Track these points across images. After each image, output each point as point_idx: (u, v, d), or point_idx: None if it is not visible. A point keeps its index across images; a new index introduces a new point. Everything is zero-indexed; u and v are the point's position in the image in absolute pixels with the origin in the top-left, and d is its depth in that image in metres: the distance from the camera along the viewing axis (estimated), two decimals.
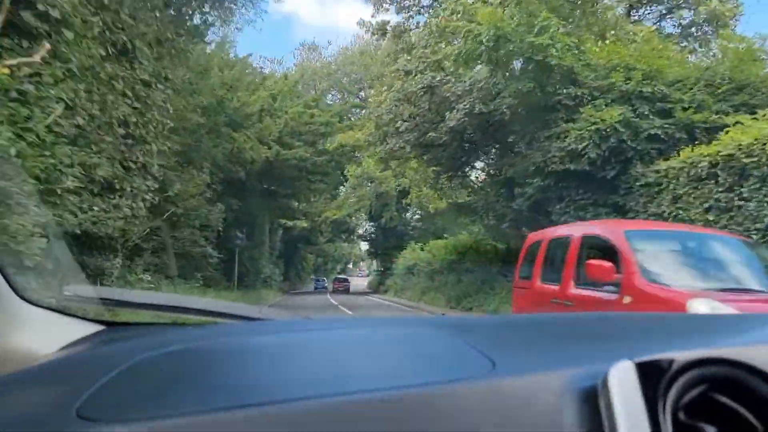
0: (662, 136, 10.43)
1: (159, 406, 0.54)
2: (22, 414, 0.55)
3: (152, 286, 10.53)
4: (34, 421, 0.53)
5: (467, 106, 14.00)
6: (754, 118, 8.49)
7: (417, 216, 36.03)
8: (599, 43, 12.74)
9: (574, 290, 5.05)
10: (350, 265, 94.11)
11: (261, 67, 31.86)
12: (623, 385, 0.51)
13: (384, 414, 0.52)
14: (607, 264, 4.28)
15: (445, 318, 1.37)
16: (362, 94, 36.72)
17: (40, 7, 5.59)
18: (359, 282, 66.93)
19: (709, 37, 18.67)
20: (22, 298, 0.86)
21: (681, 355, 0.54)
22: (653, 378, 0.52)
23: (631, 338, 0.89)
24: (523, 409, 0.53)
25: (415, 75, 16.07)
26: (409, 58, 17.30)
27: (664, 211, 9.42)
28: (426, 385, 0.56)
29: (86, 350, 0.86)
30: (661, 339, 0.87)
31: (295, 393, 0.55)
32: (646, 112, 10.66)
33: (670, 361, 0.53)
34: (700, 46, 19.12)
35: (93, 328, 0.97)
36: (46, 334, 0.86)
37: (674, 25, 20.27)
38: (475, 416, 0.53)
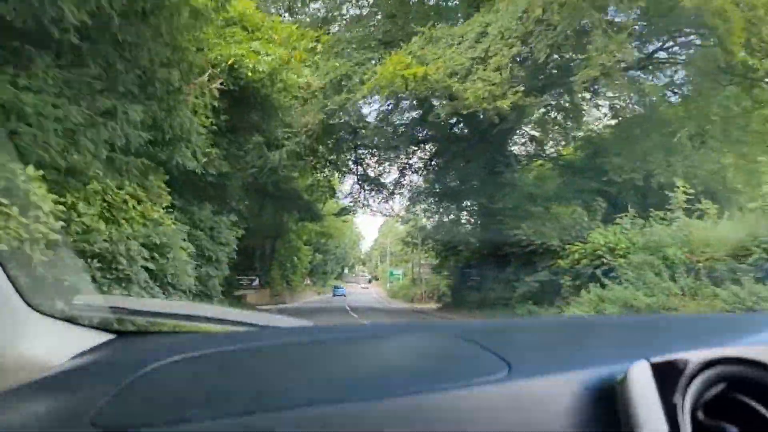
0: None
1: (173, 414, 0.54)
2: (37, 423, 0.56)
3: None
4: (49, 430, 0.54)
5: None
6: None
7: None
8: None
9: None
10: (346, 270, 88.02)
11: None
12: (641, 385, 0.52)
13: (401, 418, 0.53)
14: None
15: (460, 323, 1.45)
16: None
17: None
18: (359, 291, 56.71)
19: None
20: (32, 307, 0.86)
21: (697, 355, 0.54)
22: (670, 378, 0.52)
23: (647, 339, 0.90)
24: (540, 410, 0.54)
25: None
26: None
27: None
28: (443, 388, 0.57)
29: (97, 359, 0.85)
30: (677, 339, 0.87)
31: (312, 399, 0.55)
32: None
33: (687, 361, 0.53)
34: None
35: (103, 337, 0.96)
36: (56, 344, 0.86)
37: None
38: (492, 418, 0.54)
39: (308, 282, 43.65)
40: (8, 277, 0.81)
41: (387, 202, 27.57)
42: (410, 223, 37.36)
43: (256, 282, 30.31)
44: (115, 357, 0.86)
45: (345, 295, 44.58)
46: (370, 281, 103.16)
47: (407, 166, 25.24)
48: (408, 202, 28.36)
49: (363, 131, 21.88)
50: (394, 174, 25.58)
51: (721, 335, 0.88)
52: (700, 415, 0.52)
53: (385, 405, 0.54)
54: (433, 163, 24.53)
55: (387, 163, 24.83)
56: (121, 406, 0.57)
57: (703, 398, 0.53)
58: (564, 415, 0.53)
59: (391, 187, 25.90)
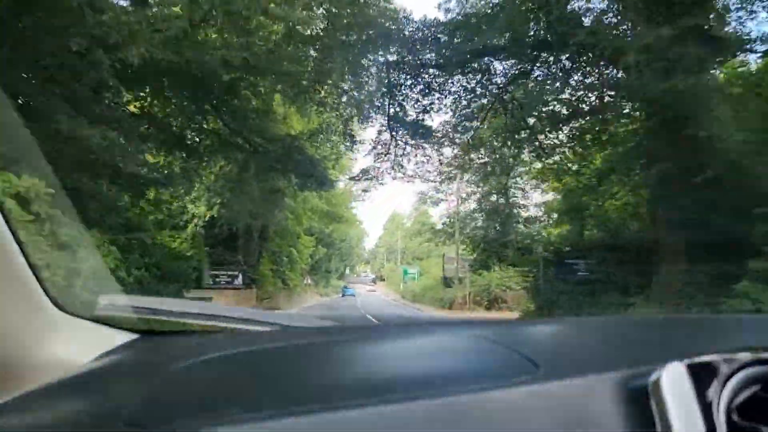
0: None
1: (207, 414, 0.54)
2: (69, 423, 0.56)
3: None
4: (82, 430, 0.54)
5: None
6: None
7: None
8: None
9: None
10: (347, 270, 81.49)
11: None
12: (675, 386, 0.52)
13: (429, 420, 0.52)
14: None
15: (485, 322, 1.35)
16: None
17: None
18: (364, 293, 49.64)
19: None
20: (59, 307, 0.86)
21: (732, 355, 0.54)
22: (705, 379, 0.52)
23: (679, 340, 0.89)
24: (570, 412, 0.53)
25: None
26: None
27: None
28: (470, 390, 0.56)
29: (124, 359, 0.86)
30: (710, 340, 0.88)
31: (339, 400, 0.55)
32: None
33: (722, 362, 0.53)
34: None
35: (127, 336, 0.98)
36: (82, 343, 0.87)
37: None
38: (520, 420, 0.53)
39: (308, 281, 35.31)
40: (36, 276, 0.81)
41: (429, 162, 18.68)
42: (444, 205, 28.77)
43: (239, 279, 21.94)
44: (142, 357, 0.88)
45: (354, 296, 43.55)
46: (374, 281, 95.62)
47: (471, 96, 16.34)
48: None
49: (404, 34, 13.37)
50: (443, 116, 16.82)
51: (756, 336, 0.90)
52: (735, 416, 0.51)
53: (413, 406, 0.53)
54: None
55: (436, 97, 16.04)
56: (155, 405, 0.58)
57: (737, 400, 0.52)
58: (595, 417, 0.53)
59: (444, 132, 17.06)
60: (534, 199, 27.05)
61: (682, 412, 0.49)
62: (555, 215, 23.97)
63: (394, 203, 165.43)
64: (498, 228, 28.15)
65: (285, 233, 24.70)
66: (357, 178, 19.02)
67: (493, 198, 28.58)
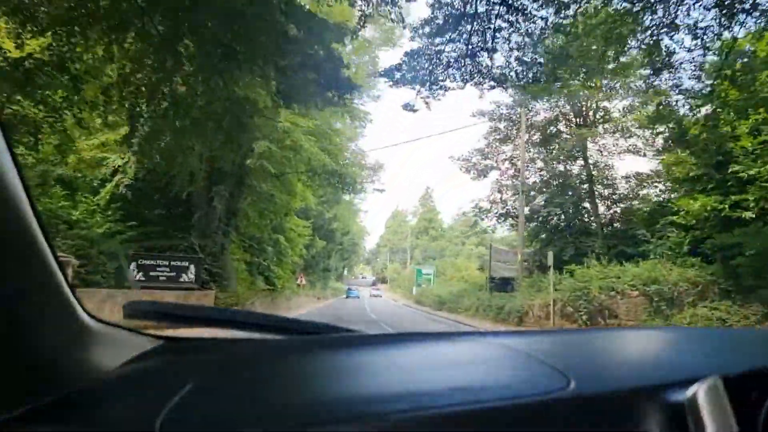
0: None
1: (240, 422, 0.55)
2: (103, 428, 0.57)
3: None
4: None
5: None
6: None
7: None
8: None
9: None
10: (346, 271, 74.80)
11: None
12: (713, 401, 0.51)
13: (460, 428, 0.52)
14: None
15: (515, 333, 1.28)
16: None
17: None
18: (366, 297, 45.18)
19: None
20: (87, 313, 0.87)
21: None
22: (743, 393, 0.51)
23: (716, 354, 0.87)
24: (603, 425, 0.53)
25: None
26: None
27: None
28: (500, 401, 0.55)
29: (151, 366, 0.87)
30: (746, 354, 0.87)
31: (368, 410, 0.55)
32: None
33: (759, 375, 0.53)
34: None
35: (153, 342, 0.98)
36: (109, 350, 0.88)
37: None
38: (553, 431, 0.52)
39: (302, 281, 26.92)
40: (68, 282, 0.83)
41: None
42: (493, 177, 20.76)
43: (189, 274, 13.53)
44: (169, 364, 0.88)
45: (359, 297, 42.62)
46: (374, 284, 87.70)
47: None
48: None
49: None
50: None
51: None
52: None
53: (442, 416, 0.53)
54: None
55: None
56: (188, 412, 0.58)
57: None
58: (631, 430, 0.52)
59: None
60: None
61: (720, 428, 0.49)
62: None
63: (396, 200, 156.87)
64: (573, 208, 19.85)
65: (263, 200, 16.17)
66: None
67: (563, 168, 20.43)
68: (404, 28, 9.51)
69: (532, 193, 21.14)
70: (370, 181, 33.96)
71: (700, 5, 8.39)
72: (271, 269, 21.16)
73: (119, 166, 13.51)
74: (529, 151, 20.81)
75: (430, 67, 9.57)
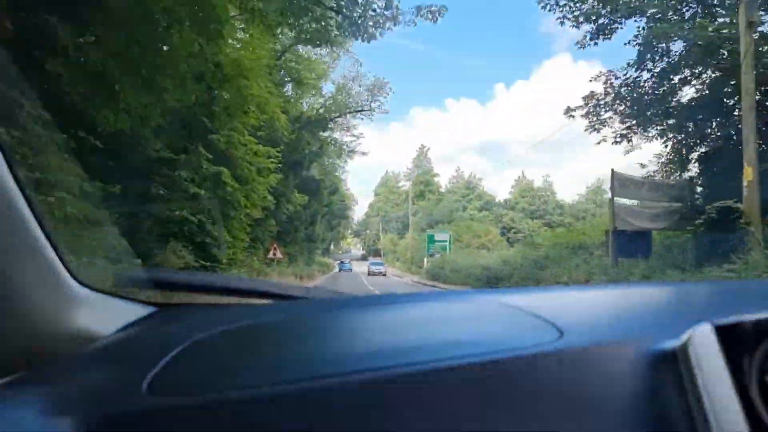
0: None
1: (227, 380, 0.55)
2: (89, 393, 0.56)
3: None
4: (106, 398, 0.54)
5: None
6: None
7: None
8: None
9: None
10: (332, 246, 68.43)
11: None
12: (705, 348, 0.51)
13: (452, 384, 0.52)
14: None
15: (508, 290, 1.22)
16: None
17: None
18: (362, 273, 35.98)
19: None
20: (78, 281, 0.87)
21: (762, 316, 0.53)
22: (735, 341, 0.51)
23: (708, 304, 0.88)
24: (596, 376, 0.53)
25: None
26: None
27: None
28: (494, 353, 0.56)
29: (143, 332, 0.88)
30: (739, 304, 0.86)
31: (359, 366, 0.55)
32: None
33: (752, 323, 0.52)
34: None
35: (147, 310, 0.99)
36: (102, 317, 0.88)
37: None
38: (544, 384, 0.52)
39: (277, 255, 17.53)
40: (56, 251, 0.83)
41: None
42: None
43: None
44: (161, 329, 0.89)
45: (352, 270, 40.82)
46: (373, 255, 78.31)
47: None
48: None
49: None
50: None
51: None
52: (767, 378, 0.51)
53: (435, 370, 0.53)
54: None
55: None
56: (176, 373, 0.58)
57: None
58: (622, 381, 0.52)
59: None
60: None
61: (712, 375, 0.49)
62: None
63: (385, 165, 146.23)
64: None
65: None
66: None
67: None
68: None
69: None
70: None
71: None
72: (209, 232, 11.41)
73: None
74: None
75: None
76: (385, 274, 35.00)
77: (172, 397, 0.53)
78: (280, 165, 15.28)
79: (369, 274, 34.28)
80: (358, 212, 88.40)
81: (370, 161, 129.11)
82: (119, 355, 0.72)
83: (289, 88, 22.32)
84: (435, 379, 0.52)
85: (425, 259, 32.67)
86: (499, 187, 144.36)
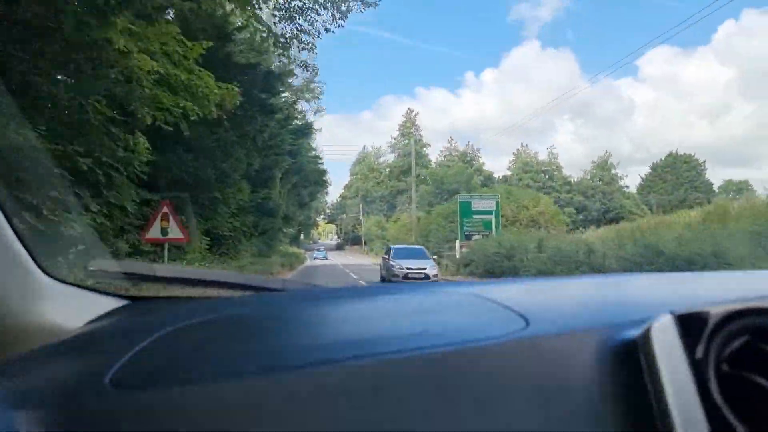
0: None
1: (192, 373, 0.54)
2: (54, 384, 0.56)
3: None
4: (67, 391, 0.53)
5: None
6: None
7: None
8: None
9: None
10: (302, 236, 58.39)
11: None
12: (665, 338, 0.52)
13: (418, 374, 0.52)
14: None
15: (475, 282, 1.13)
16: None
17: None
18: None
19: None
20: (47, 274, 0.86)
21: (721, 307, 0.54)
22: (694, 330, 0.53)
23: (669, 295, 0.89)
24: (560, 365, 0.54)
25: None
26: None
27: None
28: (459, 343, 0.56)
29: (112, 324, 0.86)
30: (700, 294, 0.88)
31: (327, 358, 0.55)
32: None
33: (711, 313, 0.53)
34: None
35: (118, 302, 0.98)
36: (71, 310, 0.87)
37: None
38: (511, 372, 0.53)
39: (170, 234, 4.64)
40: (24, 244, 0.81)
41: None
42: None
43: None
44: (130, 321, 0.87)
45: (326, 258, 40.18)
46: (341, 247, 66.48)
47: None
48: None
49: None
50: None
51: (745, 287, 0.91)
52: (725, 366, 0.52)
53: (402, 361, 0.53)
54: None
55: None
56: (140, 366, 0.57)
57: (727, 350, 0.53)
58: (586, 369, 0.53)
59: None
60: None
61: (671, 364, 0.50)
62: None
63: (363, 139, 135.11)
64: None
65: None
66: None
67: None
68: None
69: None
70: None
71: None
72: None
73: None
74: None
75: None
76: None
77: (134, 391, 0.52)
78: None
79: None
80: (332, 194, 76.07)
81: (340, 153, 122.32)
82: (84, 348, 0.71)
83: None
84: (398, 369, 0.52)
85: (457, 245, 20.35)
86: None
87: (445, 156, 60.88)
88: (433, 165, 59.16)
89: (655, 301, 0.79)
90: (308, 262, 33.76)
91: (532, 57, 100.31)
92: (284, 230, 26.54)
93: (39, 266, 0.84)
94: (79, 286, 0.93)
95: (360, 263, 33.48)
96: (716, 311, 0.53)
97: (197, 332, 0.70)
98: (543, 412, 0.50)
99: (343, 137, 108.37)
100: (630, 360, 0.53)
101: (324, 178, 34.51)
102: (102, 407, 0.50)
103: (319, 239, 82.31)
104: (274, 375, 0.52)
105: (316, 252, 43.33)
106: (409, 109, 60.74)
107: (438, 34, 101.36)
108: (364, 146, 79.03)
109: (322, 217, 75.48)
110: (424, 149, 58.45)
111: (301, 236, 56.51)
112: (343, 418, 0.49)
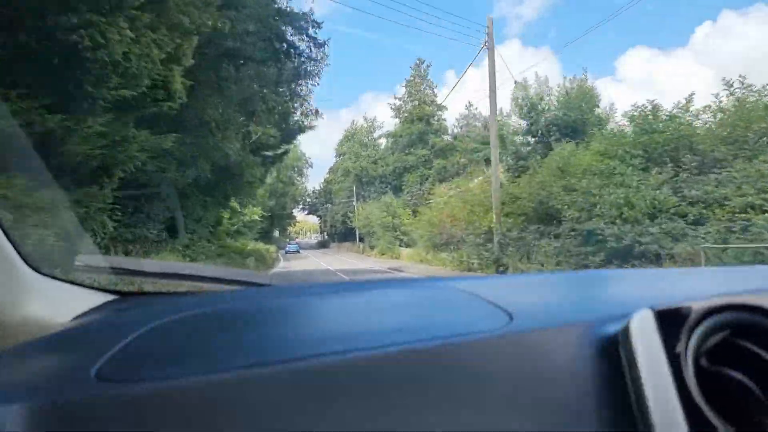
0: None
1: (178, 367, 0.55)
2: (41, 378, 0.56)
3: None
4: (54, 385, 0.53)
5: None
6: None
7: None
8: None
9: None
10: (276, 233, 50.74)
11: None
12: (644, 333, 0.53)
13: (401, 368, 0.52)
14: None
15: (460, 277, 1.20)
16: None
17: None
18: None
19: None
20: (34, 269, 0.86)
21: (701, 303, 0.55)
22: (674, 326, 0.53)
23: (650, 290, 0.89)
24: (542, 359, 0.54)
25: None
26: None
27: None
28: (444, 338, 0.56)
29: (100, 319, 0.86)
30: (680, 290, 0.88)
31: (311, 352, 0.55)
32: None
33: (690, 309, 0.54)
34: None
35: (105, 297, 0.97)
36: (58, 305, 0.86)
37: None
38: (494, 368, 0.53)
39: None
40: (9, 239, 0.80)
41: None
42: None
43: None
44: (118, 316, 0.87)
45: (300, 252, 39.25)
46: (325, 245, 53.10)
47: None
48: None
49: None
50: None
51: (725, 285, 0.90)
52: (704, 362, 0.53)
53: (385, 355, 0.53)
54: None
55: None
56: (127, 360, 0.58)
57: (706, 345, 0.53)
58: (568, 364, 0.54)
59: None
60: None
61: (650, 359, 0.51)
62: None
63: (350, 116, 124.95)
64: None
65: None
66: None
67: None
68: None
69: None
70: None
71: None
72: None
73: None
74: None
75: None
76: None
77: (120, 384, 0.51)
78: None
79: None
80: (312, 179, 61.76)
81: (320, 150, 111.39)
82: (71, 342, 0.70)
83: None
84: (383, 363, 0.52)
85: None
86: None
87: (461, 126, 46.57)
88: (448, 135, 44.94)
89: (637, 297, 0.79)
90: (280, 266, 25.29)
91: (512, 56, 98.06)
92: (240, 202, 15.65)
93: (25, 261, 0.84)
94: (66, 281, 0.91)
95: (361, 267, 22.65)
96: (695, 307, 0.54)
97: (184, 327, 0.69)
98: (526, 406, 0.51)
99: (323, 135, 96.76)
100: (611, 354, 0.53)
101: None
102: (88, 400, 0.49)
103: (297, 237, 68.75)
104: (259, 369, 0.51)
105: (288, 246, 39.74)
106: (419, 59, 46.00)
107: (417, 32, 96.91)
108: (354, 120, 64.21)
109: (300, 207, 60.64)
110: (440, 112, 44.09)
111: (276, 232, 42.15)
112: (329, 411, 0.48)
